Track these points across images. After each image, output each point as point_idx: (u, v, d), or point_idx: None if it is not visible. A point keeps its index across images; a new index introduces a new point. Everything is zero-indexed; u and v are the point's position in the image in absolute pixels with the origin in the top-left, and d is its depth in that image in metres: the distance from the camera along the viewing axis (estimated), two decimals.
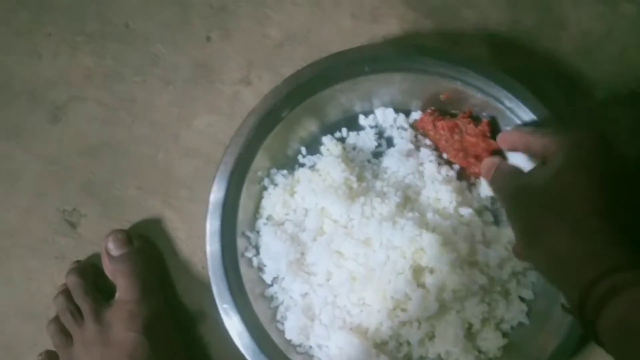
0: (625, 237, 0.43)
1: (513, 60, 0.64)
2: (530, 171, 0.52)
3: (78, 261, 0.63)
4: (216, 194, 0.58)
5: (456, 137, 0.59)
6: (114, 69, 0.67)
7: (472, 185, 0.61)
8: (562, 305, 0.52)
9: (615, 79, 0.63)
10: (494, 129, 0.59)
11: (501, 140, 0.57)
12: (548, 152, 0.49)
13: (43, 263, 0.64)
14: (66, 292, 0.60)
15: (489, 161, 0.57)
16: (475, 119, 0.60)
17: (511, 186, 0.51)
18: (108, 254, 0.61)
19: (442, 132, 0.59)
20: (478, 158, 0.58)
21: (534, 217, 0.46)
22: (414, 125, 0.63)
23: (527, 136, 0.53)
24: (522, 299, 0.58)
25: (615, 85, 0.63)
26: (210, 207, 0.58)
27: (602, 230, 0.43)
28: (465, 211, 0.58)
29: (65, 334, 0.59)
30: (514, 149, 0.55)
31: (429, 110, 0.61)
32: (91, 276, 0.62)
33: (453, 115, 0.61)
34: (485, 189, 0.60)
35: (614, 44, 0.64)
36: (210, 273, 0.57)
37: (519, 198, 0.49)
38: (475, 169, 0.59)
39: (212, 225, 0.58)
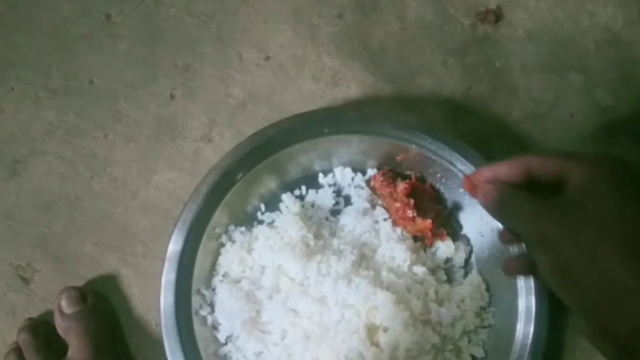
0: None
1: (466, 124, 0.67)
2: (555, 196, 0.46)
3: (30, 318, 0.62)
4: (173, 247, 0.58)
5: (397, 204, 0.60)
6: (75, 125, 0.67)
7: (426, 245, 0.62)
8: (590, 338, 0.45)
9: (562, 145, 0.66)
10: (421, 190, 0.61)
11: (484, 175, 0.50)
12: (568, 174, 0.45)
13: None
14: (17, 351, 0.59)
15: (484, 190, 0.49)
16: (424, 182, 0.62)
17: (532, 213, 0.45)
18: (61, 311, 0.60)
19: (383, 194, 0.61)
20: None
21: (582, 242, 0.42)
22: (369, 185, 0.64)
23: (526, 159, 0.48)
24: (473, 357, 0.59)
25: (563, 149, 0.66)
26: (167, 257, 0.58)
27: None
28: (419, 269, 0.59)
29: None
30: (509, 180, 0.49)
31: (382, 171, 0.63)
32: (43, 334, 0.60)
33: (407, 177, 0.63)
34: (441, 250, 0.61)
35: (561, 111, 0.67)
36: (163, 331, 0.56)
37: (550, 228, 0.43)
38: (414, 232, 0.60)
39: (167, 276, 0.58)
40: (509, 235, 0.54)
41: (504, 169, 0.49)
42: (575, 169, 0.45)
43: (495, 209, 0.49)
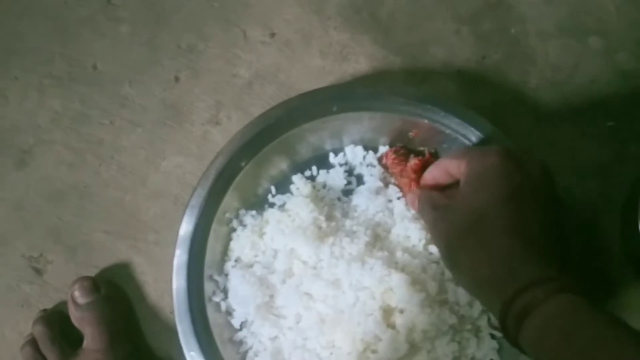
0: (539, 251, 0.44)
1: (482, 95, 0.64)
2: (447, 193, 0.53)
3: (44, 310, 0.62)
4: (184, 231, 0.57)
5: (405, 180, 0.58)
6: (81, 112, 0.66)
7: None
8: (489, 323, 0.55)
9: (584, 112, 0.63)
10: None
11: (423, 180, 0.56)
12: (461, 172, 0.50)
13: (8, 311, 0.63)
14: (33, 342, 0.59)
15: (411, 195, 0.57)
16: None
17: (431, 213, 0.51)
18: (74, 302, 0.59)
19: (395, 172, 0.59)
20: None
21: (454, 241, 0.47)
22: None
23: (444, 161, 0.54)
24: (493, 336, 0.57)
25: (584, 119, 0.63)
26: (178, 241, 0.57)
27: (515, 249, 0.44)
28: (435, 249, 0.57)
29: None
30: (436, 182, 0.55)
31: (394, 148, 0.61)
32: (58, 325, 0.60)
33: (421, 153, 0.61)
34: None
35: (581, 78, 0.64)
36: (177, 317, 0.56)
37: (438, 224, 0.50)
38: None
39: (179, 260, 0.57)
40: None
41: (432, 174, 0.55)
42: (466, 164, 0.49)
43: (417, 211, 0.56)
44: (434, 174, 0.55)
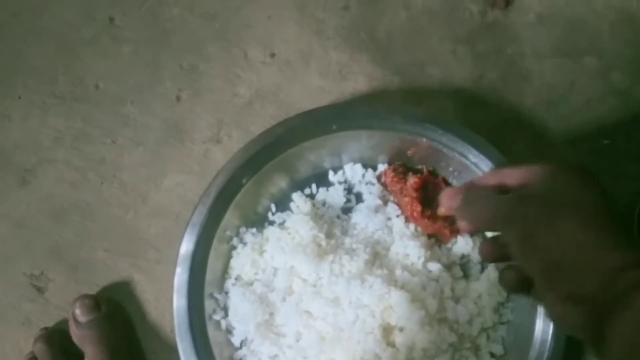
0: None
1: (479, 114, 0.65)
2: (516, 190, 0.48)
3: (45, 328, 0.62)
4: (185, 249, 0.58)
5: (406, 199, 0.59)
6: (83, 131, 0.67)
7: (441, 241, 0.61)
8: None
9: (579, 131, 0.64)
10: (433, 184, 0.60)
11: (468, 185, 0.51)
12: (530, 180, 0.46)
13: (9, 329, 0.63)
14: None
15: (450, 190, 0.51)
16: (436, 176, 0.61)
17: (500, 201, 0.46)
18: (75, 320, 0.60)
19: (394, 190, 0.60)
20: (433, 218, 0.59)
21: (540, 214, 0.43)
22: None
23: (500, 171, 0.49)
24: (492, 355, 0.57)
25: (579, 137, 0.64)
26: (179, 260, 0.58)
27: (617, 227, 0.41)
28: (434, 266, 0.58)
29: None
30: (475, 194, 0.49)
31: (392, 166, 0.62)
32: (59, 343, 0.60)
33: (419, 171, 0.61)
34: (459, 245, 0.60)
35: (576, 97, 0.65)
36: (177, 336, 0.56)
37: (518, 206, 0.44)
38: (430, 229, 0.59)
39: (179, 278, 0.57)
40: (488, 246, 0.51)
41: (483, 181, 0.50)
42: (539, 170, 0.46)
43: (463, 206, 0.49)
44: (488, 181, 0.50)
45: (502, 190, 0.48)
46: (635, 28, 0.66)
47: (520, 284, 0.47)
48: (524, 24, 0.67)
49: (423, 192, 0.59)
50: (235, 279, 0.60)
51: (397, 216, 0.60)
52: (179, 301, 0.57)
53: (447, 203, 0.51)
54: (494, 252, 0.51)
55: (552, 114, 0.65)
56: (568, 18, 0.67)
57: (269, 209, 0.63)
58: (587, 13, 0.67)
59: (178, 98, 0.68)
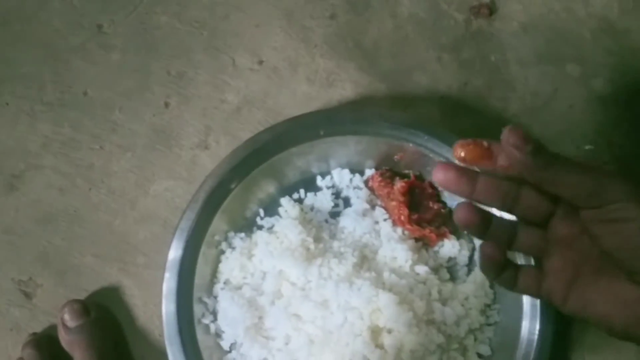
0: None
1: (464, 120, 0.66)
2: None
3: (34, 333, 0.62)
4: (173, 255, 0.58)
5: (393, 203, 0.60)
6: (71, 137, 0.67)
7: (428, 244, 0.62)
8: None
9: (563, 137, 0.65)
10: (420, 188, 0.61)
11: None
12: (609, 194, 0.41)
13: None
14: None
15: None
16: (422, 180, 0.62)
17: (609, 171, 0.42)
18: (64, 325, 0.59)
19: (381, 194, 0.61)
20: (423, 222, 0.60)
21: None
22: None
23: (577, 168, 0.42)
24: (479, 355, 0.58)
25: (563, 143, 0.65)
26: (167, 265, 0.58)
27: None
28: (421, 269, 0.58)
29: None
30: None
31: (379, 171, 0.62)
32: (47, 348, 0.60)
33: (406, 176, 0.62)
34: (445, 248, 0.61)
35: (560, 103, 0.67)
36: (166, 340, 0.56)
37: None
38: (416, 233, 0.60)
39: (168, 284, 0.57)
40: (469, 211, 0.45)
41: None
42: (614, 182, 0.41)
43: (538, 163, 0.41)
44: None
45: None
46: (616, 36, 0.68)
47: (502, 267, 0.45)
48: (508, 32, 0.68)
49: (410, 196, 0.60)
50: (224, 283, 0.61)
51: (385, 220, 0.61)
52: (167, 306, 0.57)
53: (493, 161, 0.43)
54: (475, 218, 0.45)
55: (535, 119, 0.66)
56: (551, 26, 0.68)
57: (258, 213, 0.63)
58: (570, 22, 0.68)
59: (166, 104, 0.68)
